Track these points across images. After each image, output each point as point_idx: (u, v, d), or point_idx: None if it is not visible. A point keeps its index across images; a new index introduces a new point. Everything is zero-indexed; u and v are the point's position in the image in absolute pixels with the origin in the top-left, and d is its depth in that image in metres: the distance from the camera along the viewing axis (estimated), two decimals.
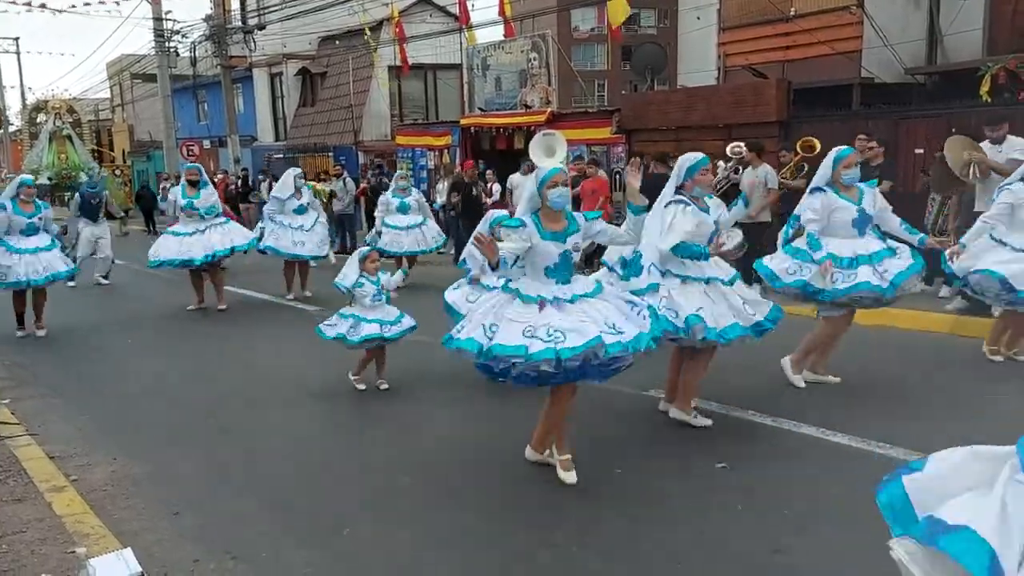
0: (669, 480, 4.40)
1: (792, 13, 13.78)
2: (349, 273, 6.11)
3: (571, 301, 4.11)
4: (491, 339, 4.02)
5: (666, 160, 10.85)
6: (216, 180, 18.80)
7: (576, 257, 4.35)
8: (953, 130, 9.77)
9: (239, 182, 19.77)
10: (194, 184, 9.83)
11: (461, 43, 19.27)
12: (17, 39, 49.79)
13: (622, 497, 4.21)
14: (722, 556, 3.56)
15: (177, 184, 12.40)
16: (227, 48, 23.04)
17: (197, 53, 24.73)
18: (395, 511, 4.17)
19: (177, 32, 23.91)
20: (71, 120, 23.20)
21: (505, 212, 5.58)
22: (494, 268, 4.06)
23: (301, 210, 10.53)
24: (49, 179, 21.83)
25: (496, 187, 13.90)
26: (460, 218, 12.92)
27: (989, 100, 9.76)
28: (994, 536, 1.80)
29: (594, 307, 4.14)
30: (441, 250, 12.25)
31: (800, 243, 5.83)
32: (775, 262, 5.89)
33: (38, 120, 23.89)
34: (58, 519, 4.05)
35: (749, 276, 10.12)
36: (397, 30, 19.21)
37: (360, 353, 6.27)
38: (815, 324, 6.03)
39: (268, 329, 9.02)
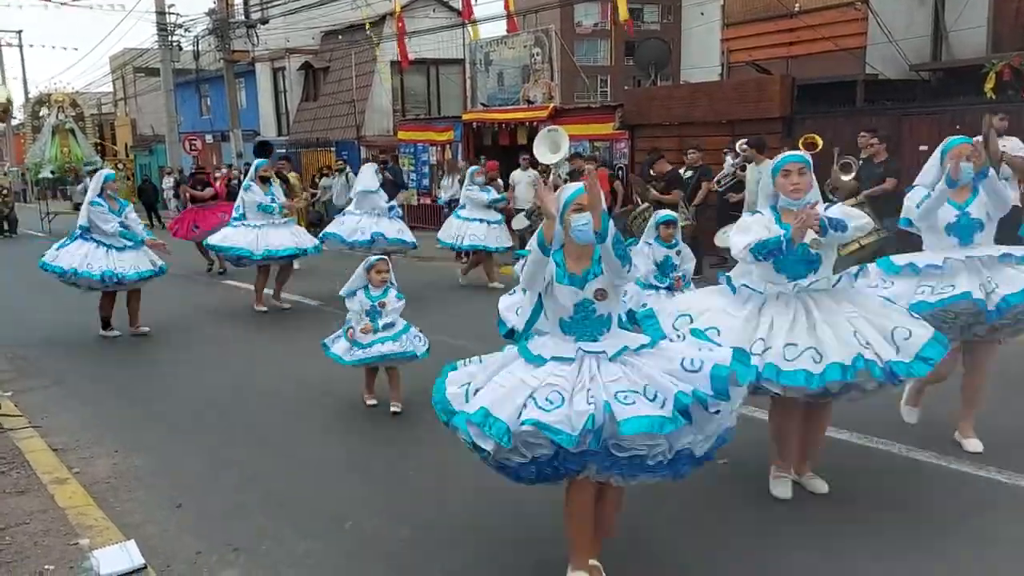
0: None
1: (796, 9, 13.74)
2: (355, 282, 5.59)
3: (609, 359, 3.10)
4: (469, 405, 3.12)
5: (663, 157, 10.89)
6: (219, 175, 18.81)
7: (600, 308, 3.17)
8: (957, 127, 9.77)
9: (241, 177, 19.76)
10: (267, 180, 9.52)
11: (464, 38, 19.24)
12: (20, 32, 49.91)
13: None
14: (725, 553, 3.58)
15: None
16: (230, 42, 23.02)
17: (200, 47, 24.72)
18: (397, 505, 4.17)
19: (180, 26, 23.88)
20: (74, 114, 23.13)
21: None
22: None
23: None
24: (52, 172, 21.78)
25: (499, 182, 13.86)
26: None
27: (993, 97, 9.75)
28: None
29: (635, 368, 3.08)
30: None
31: (900, 259, 4.56)
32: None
33: (41, 114, 23.84)
34: (61, 511, 4.07)
35: None
36: (399, 25, 19.19)
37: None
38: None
39: (279, 327, 8.99)
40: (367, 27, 21.23)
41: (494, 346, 3.58)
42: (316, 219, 15.87)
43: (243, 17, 23.28)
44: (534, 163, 12.54)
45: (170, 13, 23.64)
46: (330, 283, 8.83)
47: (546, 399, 2.95)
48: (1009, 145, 7.75)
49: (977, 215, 4.38)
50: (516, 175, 12.94)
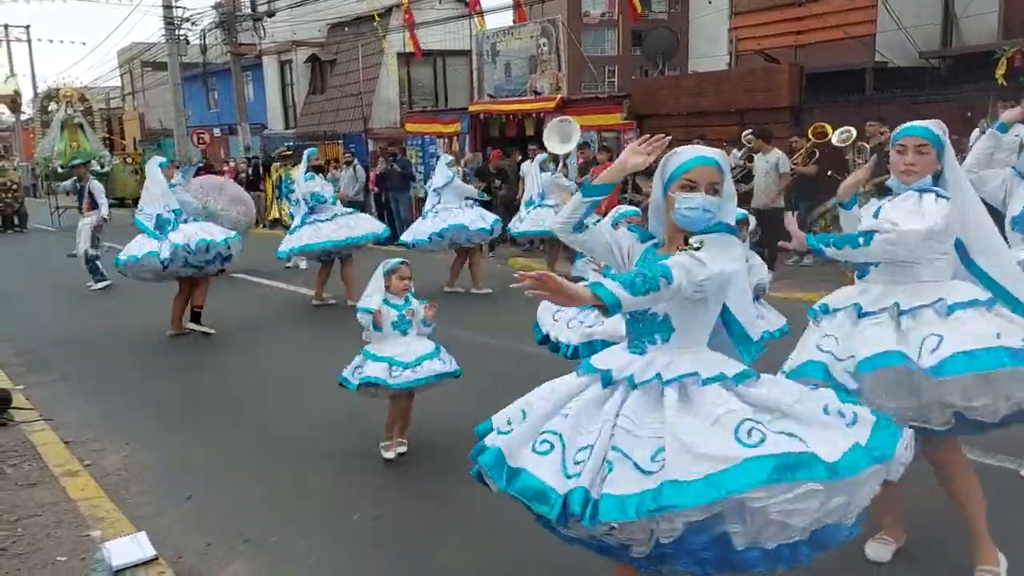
0: None
1: None
2: (373, 293, 4.65)
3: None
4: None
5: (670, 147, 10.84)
6: (227, 169, 18.86)
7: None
8: (968, 114, 9.68)
9: (249, 170, 19.80)
10: (318, 170, 9.46)
11: (470, 29, 19.19)
12: (28, 27, 50.03)
13: None
14: None
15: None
16: (237, 35, 23.04)
17: (207, 41, 24.74)
18: (406, 496, 4.19)
19: (187, 20, 23.93)
20: (82, 108, 23.25)
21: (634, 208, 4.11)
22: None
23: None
24: (61, 167, 21.87)
25: (505, 172, 13.84)
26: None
27: (1005, 84, 9.65)
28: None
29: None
30: None
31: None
32: None
33: (50, 109, 23.96)
34: (73, 503, 4.10)
35: (768, 263, 10.12)
36: (406, 16, 19.15)
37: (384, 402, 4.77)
38: None
39: (293, 323, 8.97)
40: (374, 19, 21.21)
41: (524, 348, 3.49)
42: None
43: (250, 10, 23.28)
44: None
45: (177, 7, 23.67)
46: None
47: (542, 440, 2.34)
48: None
49: None
50: (526, 167, 12.91)
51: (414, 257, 10.45)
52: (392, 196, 15.22)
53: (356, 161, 15.99)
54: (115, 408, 5.87)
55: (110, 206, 15.63)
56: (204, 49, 24.74)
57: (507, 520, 3.89)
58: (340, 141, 21.68)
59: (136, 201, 17.78)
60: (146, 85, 33.95)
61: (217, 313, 8.87)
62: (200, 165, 15.91)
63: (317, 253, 9.19)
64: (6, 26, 39.29)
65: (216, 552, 3.64)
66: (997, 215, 3.73)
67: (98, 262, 10.88)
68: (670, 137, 2.57)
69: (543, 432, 2.37)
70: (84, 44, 47.95)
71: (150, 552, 3.50)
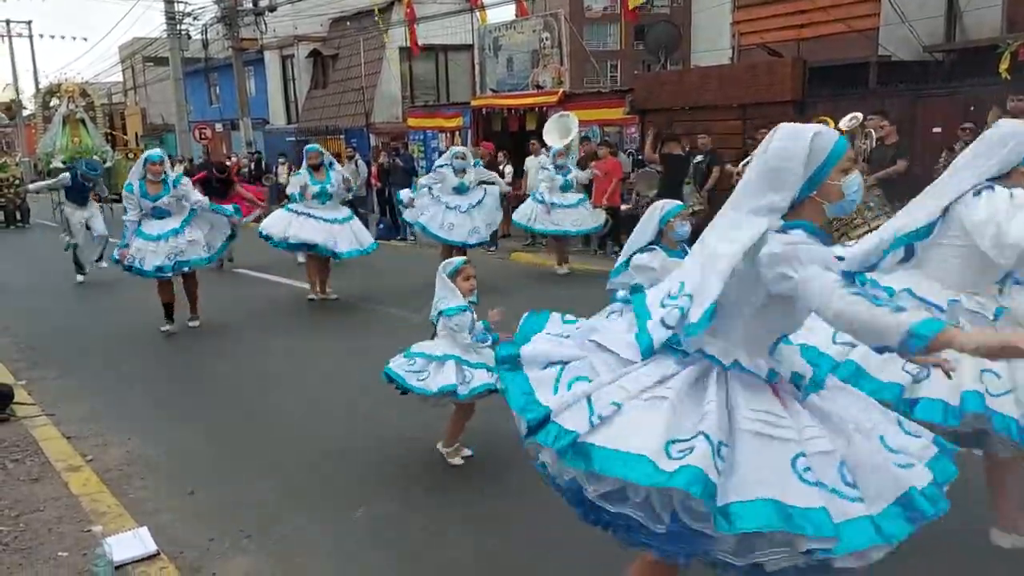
0: None
1: None
2: (449, 295, 4.30)
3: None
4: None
5: (678, 140, 10.79)
6: (228, 164, 18.83)
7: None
8: (972, 108, 9.64)
9: (252, 165, 19.79)
10: (318, 168, 9.01)
11: (472, 23, 19.14)
12: (30, 23, 50.00)
13: None
14: None
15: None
16: (238, 30, 23.00)
17: (209, 36, 24.71)
18: (408, 492, 4.18)
19: (189, 15, 23.88)
20: (84, 104, 23.15)
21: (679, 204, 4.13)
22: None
23: (463, 188, 9.62)
24: (63, 162, 21.82)
25: (508, 169, 13.82)
26: None
27: (1008, 78, 9.61)
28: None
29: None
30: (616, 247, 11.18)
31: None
32: None
33: (51, 104, 23.88)
34: (75, 498, 4.09)
35: None
36: (407, 11, 19.10)
37: (448, 409, 4.48)
38: None
39: (294, 318, 8.91)
40: (376, 13, 21.17)
41: None
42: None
43: (251, 5, 23.25)
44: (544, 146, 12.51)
45: (179, 2, 23.63)
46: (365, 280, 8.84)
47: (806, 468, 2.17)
48: None
49: None
50: (530, 161, 12.89)
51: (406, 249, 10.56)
52: (394, 191, 15.18)
53: (358, 156, 15.97)
54: (117, 403, 5.87)
55: (112, 201, 15.60)
56: (206, 44, 24.71)
57: (509, 516, 3.89)
58: (342, 136, 21.66)
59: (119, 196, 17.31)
60: (148, 80, 33.94)
61: (221, 308, 8.88)
62: (201, 163, 15.65)
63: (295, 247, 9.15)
64: (8, 22, 39.33)
65: (218, 547, 3.63)
66: None
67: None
68: None
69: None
70: (86, 40, 48.01)
71: (152, 547, 3.50)
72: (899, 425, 2.38)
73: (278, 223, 9.02)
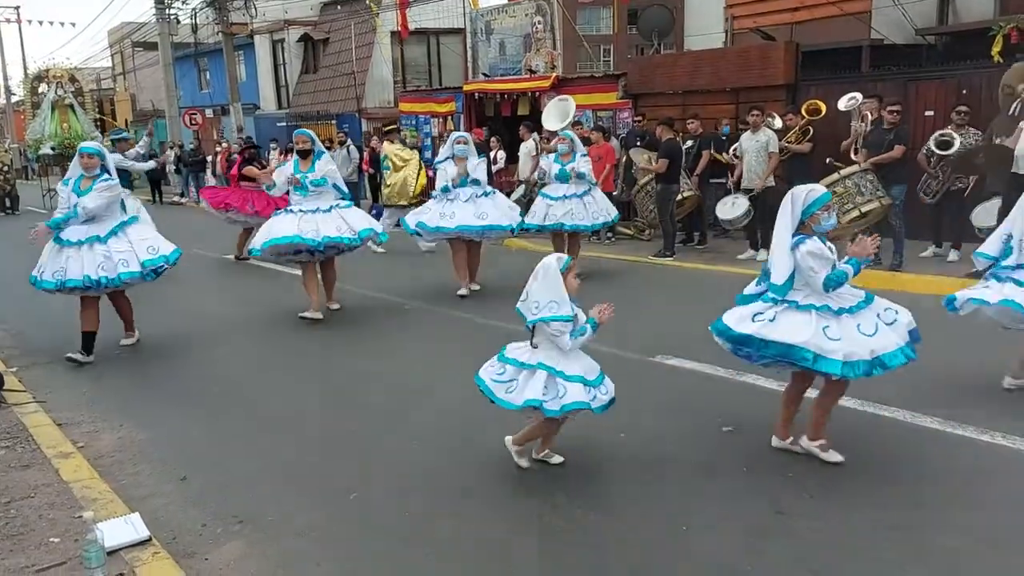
0: (674, 444, 4.42)
1: None
2: (557, 299, 3.80)
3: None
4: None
5: (672, 125, 10.74)
6: (218, 151, 18.70)
7: None
8: (964, 92, 9.63)
9: (245, 155, 19.65)
10: (306, 155, 7.80)
11: (464, 7, 19.02)
12: (18, 8, 49.47)
13: (627, 460, 4.23)
14: (726, 516, 3.58)
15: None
16: (228, 15, 22.80)
17: (198, 20, 24.49)
18: (401, 476, 4.18)
19: None
20: (73, 89, 22.96)
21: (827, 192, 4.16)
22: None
23: (462, 182, 8.53)
24: (52, 148, 21.68)
25: (501, 154, 13.77)
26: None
27: (1001, 61, 9.60)
28: None
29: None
30: (610, 233, 11.17)
31: None
32: None
33: (40, 90, 23.67)
34: (66, 485, 4.08)
35: (757, 242, 10.06)
36: None
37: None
38: None
39: (289, 307, 8.89)
40: None
41: None
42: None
43: None
44: (535, 130, 12.46)
45: None
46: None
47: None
48: None
49: None
50: (524, 147, 12.81)
51: (415, 252, 10.50)
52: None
53: (350, 141, 15.88)
54: (108, 390, 5.85)
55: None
56: (195, 29, 24.51)
57: (499, 491, 3.90)
58: (333, 121, 21.53)
59: (132, 183, 17.21)
60: (137, 65, 33.64)
61: (215, 295, 8.87)
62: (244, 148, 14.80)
63: (282, 248, 7.71)
64: None
65: (210, 532, 3.63)
66: None
67: None
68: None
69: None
70: (74, 25, 47.55)
71: (144, 533, 3.50)
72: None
73: (261, 235, 7.87)
